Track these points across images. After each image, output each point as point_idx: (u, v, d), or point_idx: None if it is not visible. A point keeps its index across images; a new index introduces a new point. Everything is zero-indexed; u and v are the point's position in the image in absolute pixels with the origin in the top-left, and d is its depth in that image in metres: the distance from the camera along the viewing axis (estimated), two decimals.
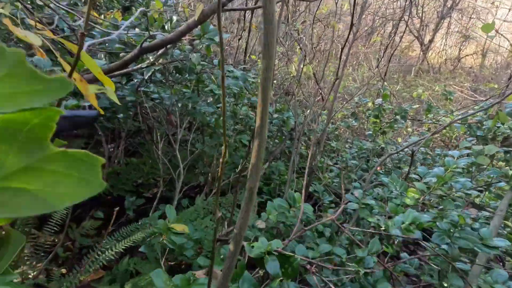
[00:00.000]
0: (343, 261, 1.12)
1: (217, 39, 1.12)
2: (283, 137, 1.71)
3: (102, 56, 1.23)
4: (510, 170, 1.50)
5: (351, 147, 2.95)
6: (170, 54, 1.27)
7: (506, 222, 1.51)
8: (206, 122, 1.38)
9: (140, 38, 1.17)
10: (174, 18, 1.15)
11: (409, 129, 3.60)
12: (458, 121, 1.63)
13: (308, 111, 1.69)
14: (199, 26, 1.19)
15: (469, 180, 1.76)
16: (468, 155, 1.56)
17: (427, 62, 8.99)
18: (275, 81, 3.75)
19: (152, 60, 1.12)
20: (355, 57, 6.80)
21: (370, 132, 2.25)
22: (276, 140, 1.73)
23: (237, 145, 1.81)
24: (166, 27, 1.08)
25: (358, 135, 3.65)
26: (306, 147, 2.58)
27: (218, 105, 1.62)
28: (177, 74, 1.30)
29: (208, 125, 1.49)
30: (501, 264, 1.75)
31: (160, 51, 1.13)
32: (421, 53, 8.97)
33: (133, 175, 2.23)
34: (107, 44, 1.18)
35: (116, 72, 1.12)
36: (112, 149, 2.08)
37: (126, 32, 1.15)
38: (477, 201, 2.29)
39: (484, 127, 1.65)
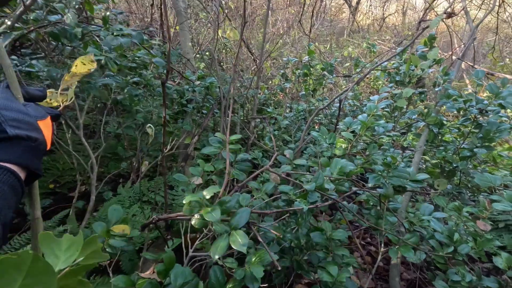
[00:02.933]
0: (291, 197, 1.07)
1: None
2: (211, 106, 1.58)
3: None
4: (424, 108, 1.60)
5: (291, 111, 2.95)
6: (43, 18, 1.01)
7: (424, 157, 1.63)
8: (106, 98, 1.18)
9: None
10: None
11: (344, 87, 3.74)
12: (377, 68, 1.67)
13: (231, 76, 1.56)
14: None
15: (393, 124, 1.86)
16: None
17: (357, 23, 9.41)
18: (203, 49, 3.53)
19: (10, 24, 0.87)
20: (290, 23, 6.75)
21: (303, 92, 2.23)
22: (204, 111, 1.60)
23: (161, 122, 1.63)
24: None
25: (298, 99, 3.68)
26: (244, 116, 2.49)
27: (134, 79, 1.40)
28: (59, 44, 1.06)
29: (119, 102, 1.29)
30: (427, 196, 1.92)
31: (19, 11, 0.88)
32: (350, 15, 9.33)
33: (48, 175, 1.93)
34: None
35: None
36: None
37: None
38: (405, 143, 2.48)
39: (401, 72, 1.72)
